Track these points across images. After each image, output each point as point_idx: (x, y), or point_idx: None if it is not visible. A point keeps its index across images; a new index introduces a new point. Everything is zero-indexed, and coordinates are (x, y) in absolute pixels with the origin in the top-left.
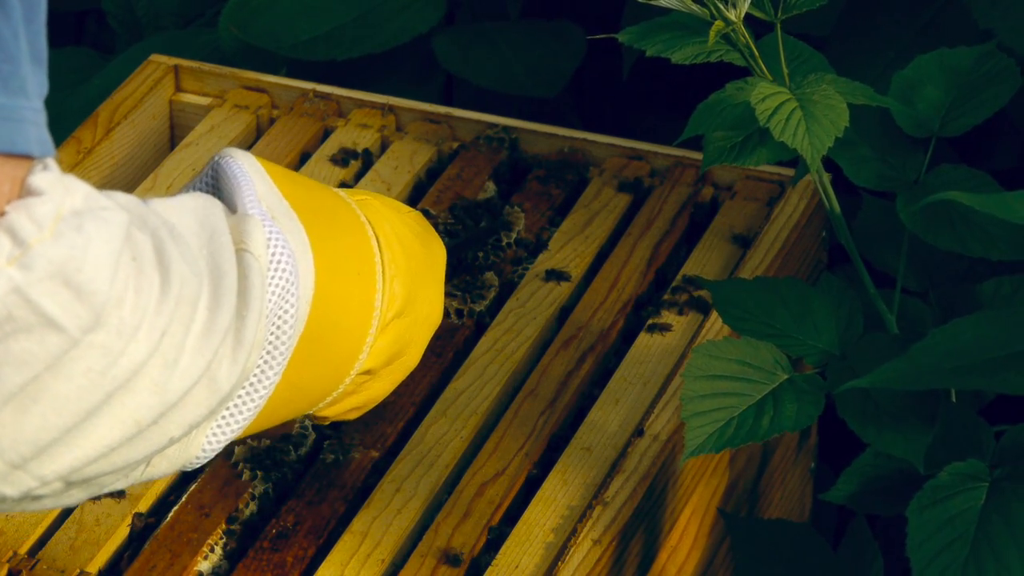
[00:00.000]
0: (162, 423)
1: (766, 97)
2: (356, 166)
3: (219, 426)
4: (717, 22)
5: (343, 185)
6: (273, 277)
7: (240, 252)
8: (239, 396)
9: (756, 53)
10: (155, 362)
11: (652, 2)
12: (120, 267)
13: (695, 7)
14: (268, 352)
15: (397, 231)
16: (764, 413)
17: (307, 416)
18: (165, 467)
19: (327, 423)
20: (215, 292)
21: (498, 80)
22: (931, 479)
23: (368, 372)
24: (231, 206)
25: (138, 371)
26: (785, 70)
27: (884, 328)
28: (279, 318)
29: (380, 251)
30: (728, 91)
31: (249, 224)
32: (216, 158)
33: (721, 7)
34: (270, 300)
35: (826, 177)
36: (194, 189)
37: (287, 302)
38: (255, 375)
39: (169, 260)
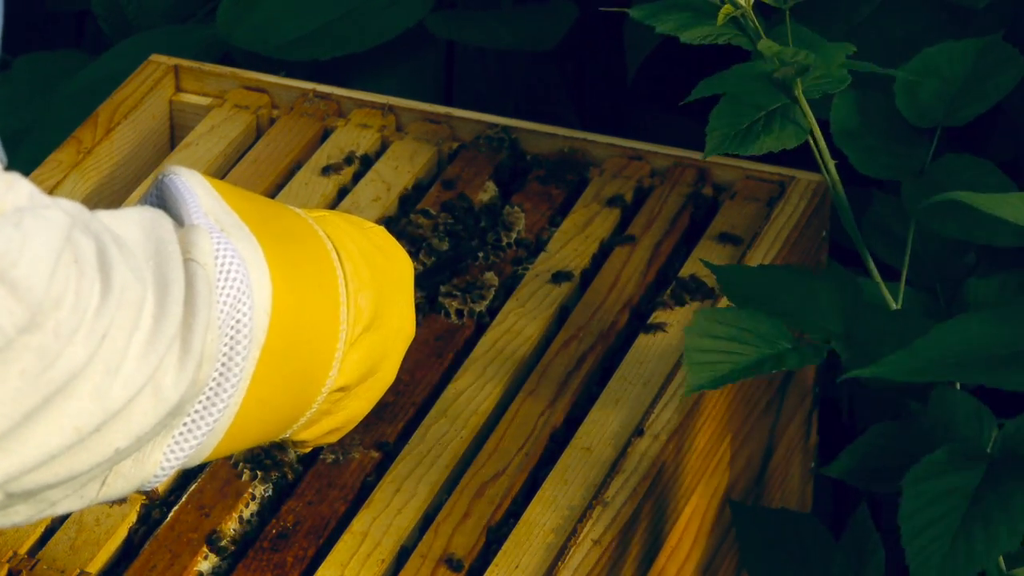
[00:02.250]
0: (105, 432)
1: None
2: (356, 166)
3: (176, 442)
4: (726, 6)
5: (343, 188)
6: (223, 287)
7: (186, 262)
8: (195, 411)
9: (765, 38)
10: (95, 367)
11: None
12: (59, 267)
13: None
14: (224, 364)
15: (359, 245)
16: (765, 364)
17: (287, 442)
18: (122, 486)
19: (308, 449)
20: (161, 300)
21: (493, 38)
22: (928, 455)
23: (342, 389)
24: (178, 220)
25: (77, 375)
26: None
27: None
28: (233, 328)
29: (341, 264)
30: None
31: (195, 234)
32: (160, 176)
33: None
34: (221, 310)
35: (831, 163)
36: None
37: (240, 312)
38: (211, 388)
39: (111, 264)
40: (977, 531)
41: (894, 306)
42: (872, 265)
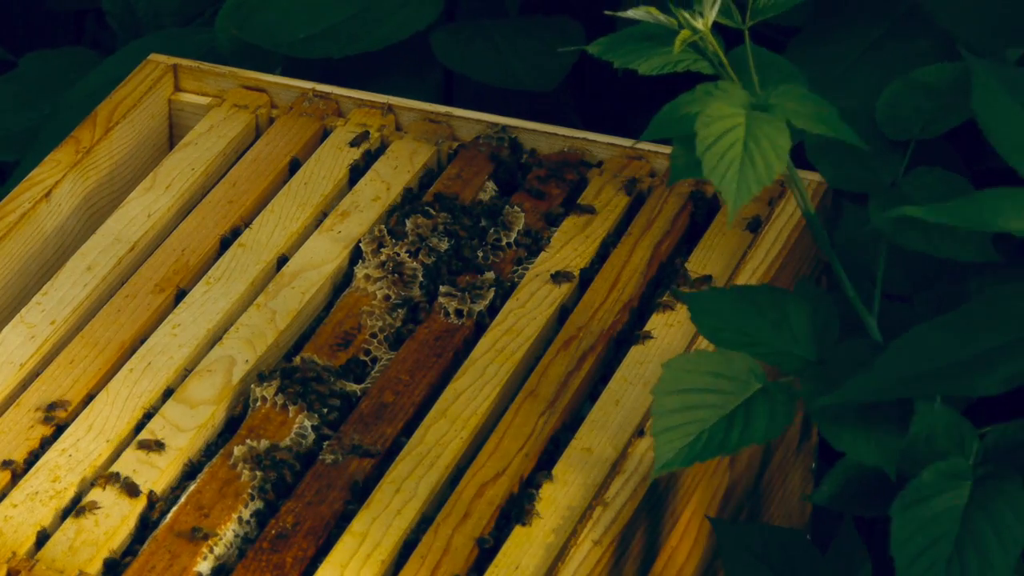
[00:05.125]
0: None
1: (713, 121)
2: (359, 164)
3: None
4: (683, 31)
5: (343, 190)
6: None
7: None
8: None
9: (725, 62)
10: None
11: (618, 15)
12: None
13: (662, 17)
14: None
15: None
16: (735, 425)
17: None
18: None
19: None
20: None
21: (495, 75)
22: (914, 478)
23: None
24: None
25: None
26: (755, 78)
27: (867, 333)
28: None
29: None
30: (696, 94)
31: None
32: None
33: (688, 16)
34: None
35: (802, 183)
36: None
37: None
38: None
39: None
40: (971, 556)
41: (870, 321)
42: (848, 283)
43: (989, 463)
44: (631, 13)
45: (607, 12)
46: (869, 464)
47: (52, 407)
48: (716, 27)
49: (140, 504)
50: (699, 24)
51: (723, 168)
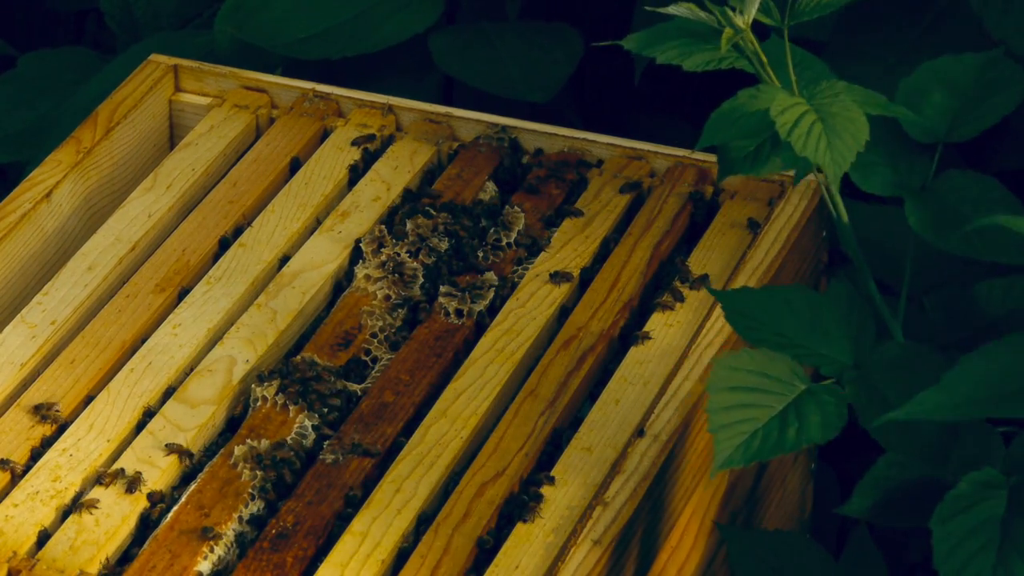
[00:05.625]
0: None
1: (785, 109)
2: (359, 165)
3: None
4: (727, 30)
5: (343, 191)
6: None
7: None
8: None
9: (765, 60)
10: None
11: (660, 10)
12: None
13: (703, 14)
14: None
15: None
16: (788, 424)
17: None
18: None
19: None
20: None
21: (493, 83)
22: (951, 490)
23: None
24: None
25: None
26: (793, 77)
27: (888, 333)
28: None
29: None
30: (741, 99)
31: None
32: None
33: (730, 14)
34: None
35: (836, 187)
36: None
37: None
38: None
39: None
40: (1015, 561)
41: (895, 324)
42: (874, 288)
43: (1019, 469)
44: (671, 9)
45: (647, 8)
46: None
47: (53, 407)
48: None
49: (140, 504)
50: (740, 22)
51: (813, 144)
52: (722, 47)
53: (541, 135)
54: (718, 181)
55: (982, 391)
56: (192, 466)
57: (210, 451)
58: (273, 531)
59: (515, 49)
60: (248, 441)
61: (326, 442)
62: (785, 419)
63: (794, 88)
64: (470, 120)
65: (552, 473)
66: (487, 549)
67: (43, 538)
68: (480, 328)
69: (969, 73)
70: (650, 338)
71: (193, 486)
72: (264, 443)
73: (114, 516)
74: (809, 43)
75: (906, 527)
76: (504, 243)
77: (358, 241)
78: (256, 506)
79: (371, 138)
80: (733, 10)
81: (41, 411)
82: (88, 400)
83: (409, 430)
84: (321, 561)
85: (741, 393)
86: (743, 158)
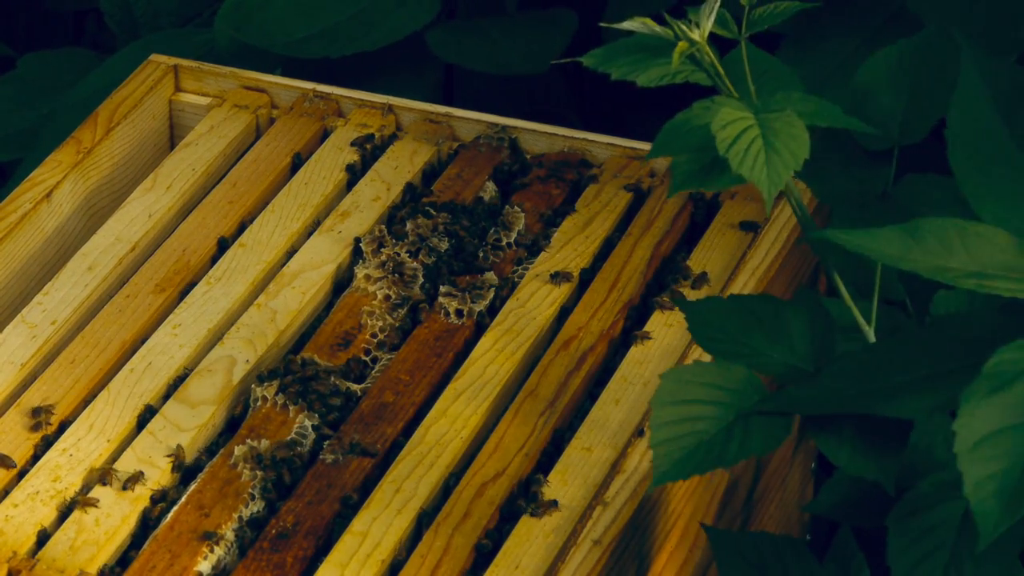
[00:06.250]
0: None
1: (727, 124)
2: (357, 165)
3: None
4: (681, 43)
5: (343, 190)
6: None
7: None
8: None
9: (722, 72)
10: None
11: (614, 26)
12: None
13: (658, 28)
14: None
15: None
16: (732, 438)
17: None
18: None
19: None
20: None
21: (489, 63)
22: (911, 489)
23: None
24: None
25: None
26: (752, 88)
27: (864, 339)
28: None
29: None
30: (696, 110)
31: None
32: None
33: (684, 28)
34: None
35: (798, 192)
36: None
37: None
38: None
39: None
40: (966, 564)
41: (866, 328)
42: (845, 290)
43: None
44: (627, 25)
45: (602, 24)
46: (869, 478)
47: (53, 407)
48: (711, 34)
49: (141, 504)
50: (695, 35)
51: (750, 161)
52: (674, 62)
53: (541, 135)
54: (668, 196)
55: (851, 388)
56: (192, 466)
57: (210, 451)
58: (273, 531)
59: (511, 32)
60: (248, 441)
61: (326, 442)
62: (730, 432)
63: (753, 99)
64: (470, 120)
65: (552, 473)
66: (487, 549)
67: (43, 538)
68: (480, 328)
69: (907, 61)
70: (650, 338)
71: (193, 486)
72: (264, 443)
73: (114, 516)
74: (770, 35)
75: (872, 526)
76: (504, 243)
77: (358, 241)
78: (256, 506)
79: (371, 138)
80: (690, 23)
81: (41, 411)
82: (88, 400)
83: (409, 430)
84: (321, 561)
85: (689, 407)
86: (697, 171)
